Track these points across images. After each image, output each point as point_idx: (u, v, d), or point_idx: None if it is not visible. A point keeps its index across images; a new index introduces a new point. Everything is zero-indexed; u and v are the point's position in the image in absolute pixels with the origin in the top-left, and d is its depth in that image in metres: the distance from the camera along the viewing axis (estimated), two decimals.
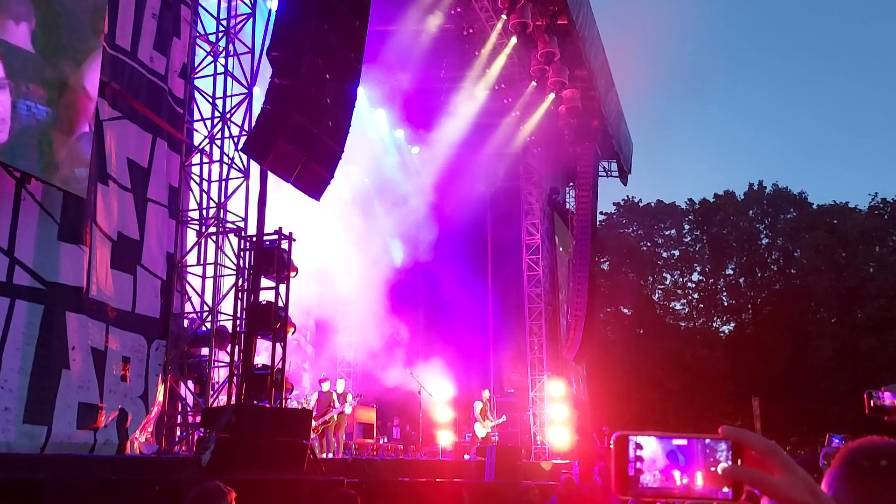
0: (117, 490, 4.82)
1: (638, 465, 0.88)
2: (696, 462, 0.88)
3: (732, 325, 42.00)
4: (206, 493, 3.25)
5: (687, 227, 42.68)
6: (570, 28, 16.41)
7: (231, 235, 10.01)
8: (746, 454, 0.87)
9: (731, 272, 42.34)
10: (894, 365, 33.33)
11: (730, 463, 0.87)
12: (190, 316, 9.85)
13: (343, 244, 17.93)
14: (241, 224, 10.01)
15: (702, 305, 42.37)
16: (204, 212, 10.00)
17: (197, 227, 10.03)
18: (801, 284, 38.87)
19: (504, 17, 16.04)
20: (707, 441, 0.88)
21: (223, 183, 10.04)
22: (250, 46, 10.52)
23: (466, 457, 14.34)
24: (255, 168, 9.75)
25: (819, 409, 32.71)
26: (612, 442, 0.89)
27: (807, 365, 35.78)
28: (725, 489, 0.86)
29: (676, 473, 0.88)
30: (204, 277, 9.93)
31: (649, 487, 0.88)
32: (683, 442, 0.89)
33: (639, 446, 0.89)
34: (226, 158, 10.08)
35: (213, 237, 9.94)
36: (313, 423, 12.27)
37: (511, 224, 20.53)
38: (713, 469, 0.87)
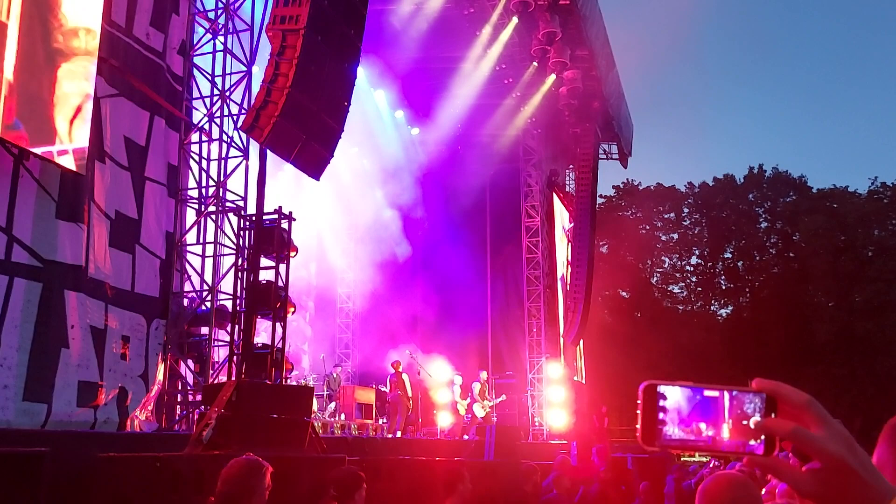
0: (118, 466, 4.82)
1: (661, 415, 0.86)
2: (724, 415, 0.86)
3: (730, 308, 42.16)
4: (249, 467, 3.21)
5: (686, 210, 42.71)
6: (571, 7, 16.25)
7: (230, 214, 9.96)
8: (781, 408, 0.85)
9: (729, 255, 42.43)
10: (892, 348, 33.47)
11: (760, 416, 0.85)
12: (189, 295, 9.82)
13: (342, 225, 17.91)
14: (241, 203, 9.96)
15: (700, 289, 42.48)
16: (203, 190, 9.94)
17: (196, 206, 9.98)
18: (799, 268, 38.95)
19: None
20: (736, 393, 0.86)
21: (222, 161, 9.97)
22: (250, 24, 10.41)
23: (465, 437, 14.40)
24: (254, 147, 9.69)
25: (816, 392, 32.81)
26: (640, 391, 0.87)
27: (804, 348, 35.92)
28: (753, 442, 0.84)
29: (702, 426, 0.86)
30: (203, 256, 9.89)
31: (674, 439, 0.86)
32: (715, 394, 0.86)
33: (663, 396, 0.87)
34: (225, 137, 10.01)
35: (213, 216, 9.89)
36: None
37: (510, 206, 20.48)
38: (744, 423, 0.85)
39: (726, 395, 0.86)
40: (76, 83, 7.61)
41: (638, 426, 0.87)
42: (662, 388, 0.87)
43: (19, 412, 7.01)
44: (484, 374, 16.13)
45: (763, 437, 0.84)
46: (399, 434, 13.45)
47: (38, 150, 7.18)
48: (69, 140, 7.48)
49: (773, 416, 0.85)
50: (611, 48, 19.57)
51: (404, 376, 14.36)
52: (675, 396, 0.87)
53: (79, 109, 7.62)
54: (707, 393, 0.86)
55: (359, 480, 4.02)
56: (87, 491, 4.92)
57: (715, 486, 2.20)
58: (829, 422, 0.83)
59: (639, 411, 0.87)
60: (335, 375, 14.67)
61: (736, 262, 42.24)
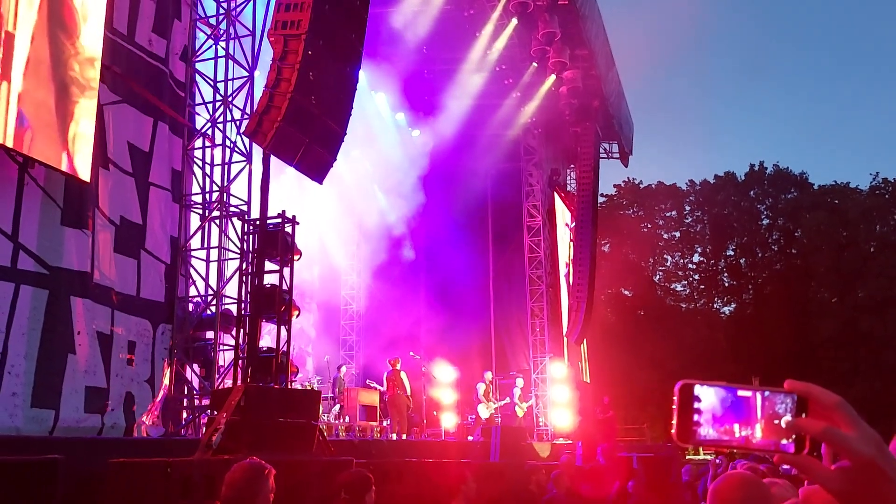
0: (128, 471, 4.85)
1: (696, 416, 0.90)
2: (756, 414, 0.89)
3: (733, 305, 42.13)
4: (253, 470, 3.25)
5: (688, 208, 42.69)
6: (570, 7, 16.30)
7: (234, 219, 9.99)
8: (812, 408, 0.88)
9: (731, 253, 42.42)
10: (895, 343, 33.44)
11: (791, 416, 0.88)
12: (195, 300, 9.85)
13: (344, 227, 17.94)
14: (245, 208, 9.99)
15: (703, 286, 42.45)
16: (207, 195, 9.97)
17: (200, 211, 10.01)
18: (801, 264, 38.93)
19: None
20: (768, 394, 0.90)
21: (226, 166, 10.00)
22: (251, 29, 10.45)
23: (470, 438, 14.42)
24: (257, 151, 9.72)
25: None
26: (676, 390, 0.91)
27: (807, 344, 35.91)
28: (785, 441, 0.88)
29: (736, 425, 0.89)
30: (208, 261, 9.92)
31: (709, 438, 0.90)
32: (748, 394, 0.90)
33: (697, 398, 0.90)
34: (228, 142, 10.04)
35: (217, 221, 9.93)
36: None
37: (512, 206, 20.51)
38: (776, 422, 0.88)
39: (759, 395, 0.90)
40: (91, 123, 7.66)
41: (673, 424, 0.90)
42: (698, 389, 0.91)
43: (27, 419, 7.05)
44: (489, 375, 16.16)
45: (794, 436, 0.87)
46: (395, 436, 13.33)
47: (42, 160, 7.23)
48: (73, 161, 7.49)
49: (803, 416, 0.88)
50: (610, 47, 19.62)
51: (402, 374, 14.10)
52: (709, 396, 0.90)
53: (93, 151, 7.66)
54: (740, 393, 0.90)
55: (368, 482, 4.06)
56: (97, 496, 4.95)
57: (726, 486, 2.23)
58: (859, 422, 0.86)
59: (674, 409, 0.90)
60: (341, 376, 14.68)
61: (738, 259, 42.23)
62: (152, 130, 9.34)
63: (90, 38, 7.79)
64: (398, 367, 14.15)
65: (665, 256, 43.00)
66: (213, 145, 10.11)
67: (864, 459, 0.84)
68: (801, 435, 0.87)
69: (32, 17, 7.06)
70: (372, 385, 14.53)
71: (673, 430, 0.90)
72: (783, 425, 0.88)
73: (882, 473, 0.84)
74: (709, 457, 19.77)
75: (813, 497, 2.36)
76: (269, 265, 9.21)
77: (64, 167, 7.39)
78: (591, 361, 24.35)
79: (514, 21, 16.68)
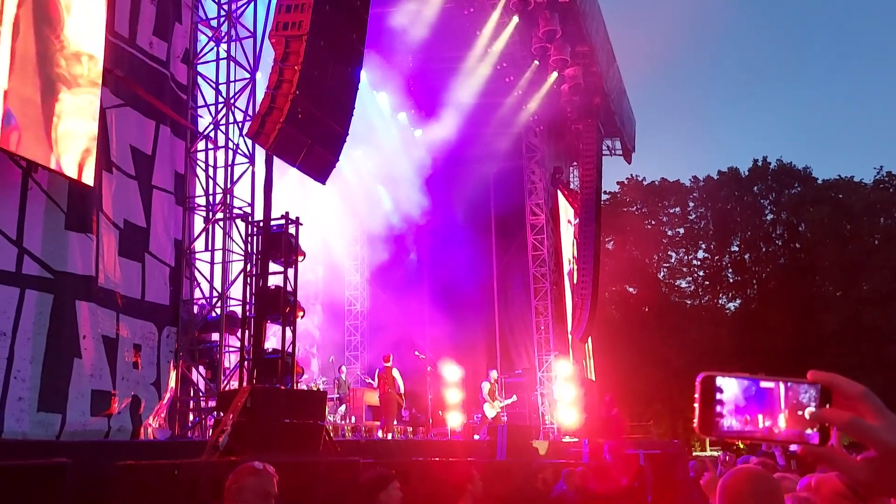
0: (135, 474, 4.85)
1: (718, 408, 0.89)
2: (780, 405, 0.88)
3: (738, 301, 42.05)
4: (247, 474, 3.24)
5: (691, 204, 42.63)
6: (571, 4, 16.28)
7: (238, 221, 9.99)
8: (835, 399, 0.87)
9: (736, 248, 42.34)
10: None
11: (815, 406, 0.87)
12: (199, 302, 9.85)
13: (347, 227, 17.95)
14: (248, 209, 9.99)
15: (707, 283, 42.39)
16: (210, 198, 9.97)
17: (204, 214, 10.01)
18: (806, 259, 38.87)
19: None
20: (791, 384, 0.89)
21: (229, 169, 10.00)
22: (252, 30, 10.44)
23: (476, 437, 14.42)
24: (260, 153, 9.71)
25: None
26: (697, 383, 0.90)
27: (812, 339, 35.84)
28: (809, 432, 0.87)
29: (759, 416, 0.88)
30: (212, 263, 9.92)
31: (733, 430, 0.89)
32: (770, 385, 0.89)
33: (720, 390, 0.89)
34: (231, 144, 10.04)
35: (221, 223, 9.93)
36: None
37: (515, 204, 20.51)
38: (799, 413, 0.87)
39: (782, 386, 0.89)
40: (83, 122, 7.58)
41: (695, 416, 0.89)
42: (720, 380, 0.90)
43: (34, 423, 7.05)
44: (494, 374, 16.16)
45: (818, 426, 0.86)
46: (388, 435, 13.28)
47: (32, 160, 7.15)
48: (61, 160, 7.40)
49: (827, 406, 0.87)
50: (611, 44, 19.60)
51: (395, 371, 13.99)
52: (731, 387, 0.89)
53: (86, 153, 7.58)
54: (763, 384, 0.89)
55: (381, 481, 4.01)
56: (105, 499, 4.95)
57: (734, 480, 2.23)
58: (884, 412, 0.85)
59: (696, 402, 0.89)
60: (343, 378, 14.68)
61: (742, 254, 42.16)
62: (154, 133, 9.33)
63: (75, 31, 7.59)
64: (390, 364, 14.06)
65: (669, 253, 42.95)
66: (216, 147, 10.11)
67: (889, 448, 0.83)
68: (826, 425, 0.86)
69: (13, 11, 6.90)
70: (368, 381, 14.53)
71: (695, 423, 0.89)
72: (807, 416, 0.87)
73: None
74: (716, 453, 19.76)
75: (823, 485, 2.35)
76: (273, 266, 9.21)
77: (53, 166, 7.30)
78: (596, 359, 24.34)
79: (515, 19, 16.66)
